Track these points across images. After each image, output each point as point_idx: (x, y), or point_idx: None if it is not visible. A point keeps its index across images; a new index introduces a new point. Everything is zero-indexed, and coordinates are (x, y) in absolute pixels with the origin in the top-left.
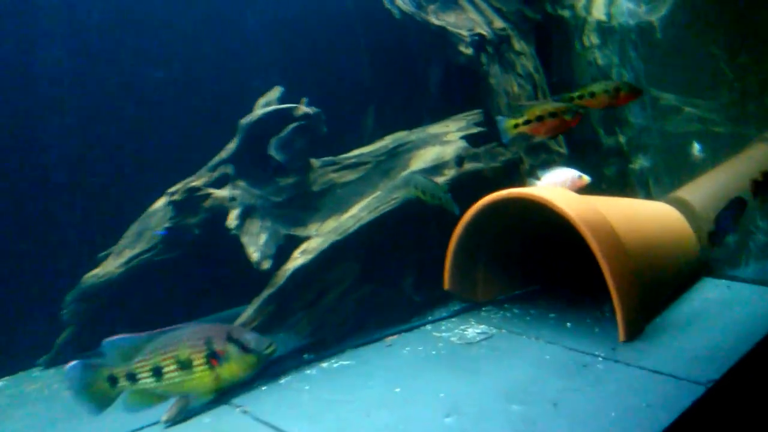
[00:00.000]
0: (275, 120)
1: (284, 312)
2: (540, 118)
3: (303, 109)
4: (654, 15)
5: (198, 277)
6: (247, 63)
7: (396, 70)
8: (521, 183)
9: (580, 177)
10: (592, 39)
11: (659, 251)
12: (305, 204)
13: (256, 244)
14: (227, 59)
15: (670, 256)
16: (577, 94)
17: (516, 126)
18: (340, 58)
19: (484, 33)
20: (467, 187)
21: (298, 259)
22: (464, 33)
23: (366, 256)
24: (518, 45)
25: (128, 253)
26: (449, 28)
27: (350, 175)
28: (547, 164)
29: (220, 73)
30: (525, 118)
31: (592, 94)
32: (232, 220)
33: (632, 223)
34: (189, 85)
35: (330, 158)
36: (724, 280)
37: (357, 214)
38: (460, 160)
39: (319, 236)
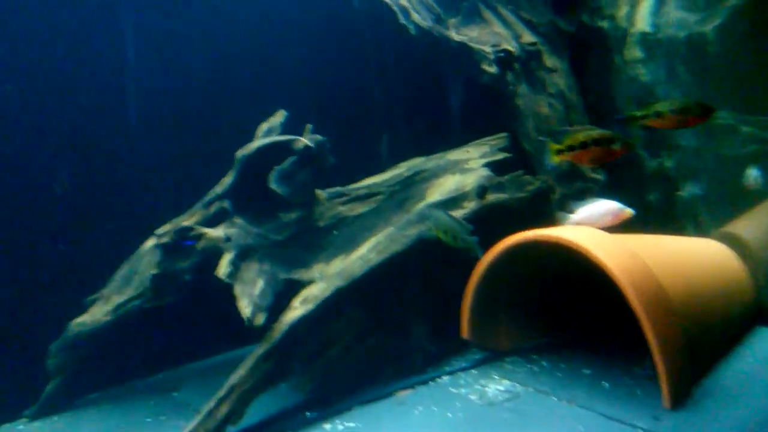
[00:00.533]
0: (273, 153)
1: (282, 370)
2: (584, 145)
3: (302, 141)
4: (708, 25)
5: (191, 324)
6: (253, 85)
7: (413, 91)
8: (551, 216)
9: (621, 210)
10: (635, 53)
11: (709, 301)
12: (310, 242)
13: (249, 295)
14: (233, 78)
15: (721, 306)
16: (640, 113)
17: (559, 152)
18: (351, 78)
19: (511, 49)
20: (490, 221)
21: (297, 309)
22: (488, 49)
23: (375, 302)
24: (549, 61)
25: (116, 300)
26: (471, 44)
27: (361, 208)
28: (582, 193)
29: (224, 93)
30: (567, 143)
31: (658, 114)
32: (223, 267)
33: (678, 269)
34: (185, 115)
35: (339, 189)
36: None
37: (365, 255)
38: (482, 190)
39: (322, 281)
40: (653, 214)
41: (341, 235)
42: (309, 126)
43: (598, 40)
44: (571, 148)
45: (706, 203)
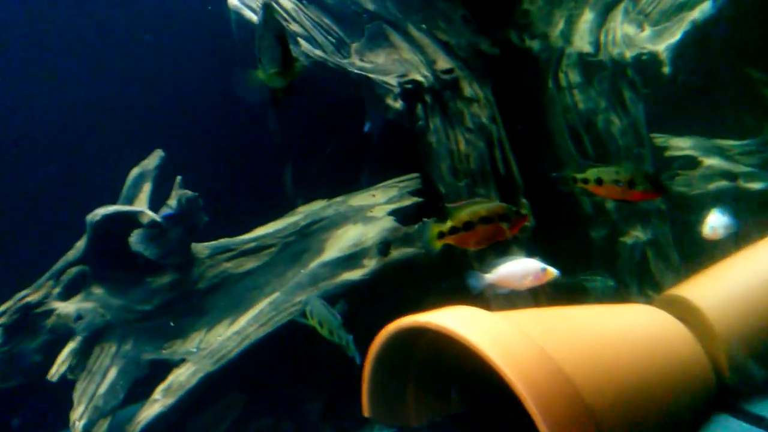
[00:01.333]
0: (121, 221)
1: None
2: (469, 225)
3: (148, 215)
4: (662, 43)
5: (45, 406)
6: (127, 120)
7: (318, 121)
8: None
9: (543, 271)
10: (572, 76)
11: (641, 392)
12: (187, 308)
13: (89, 397)
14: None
15: (660, 396)
16: (580, 176)
17: (441, 235)
18: (245, 110)
19: (420, 79)
20: (395, 281)
21: (155, 404)
22: (392, 81)
23: (258, 383)
24: (469, 89)
25: None
26: (372, 75)
27: (250, 263)
28: (505, 244)
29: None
30: (450, 224)
31: (600, 182)
32: (57, 365)
33: (594, 351)
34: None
35: (224, 242)
36: (746, 424)
37: (243, 329)
38: (384, 247)
39: (192, 363)
40: (590, 266)
41: (227, 295)
42: (178, 179)
43: (527, 63)
44: (454, 230)
45: (656, 253)
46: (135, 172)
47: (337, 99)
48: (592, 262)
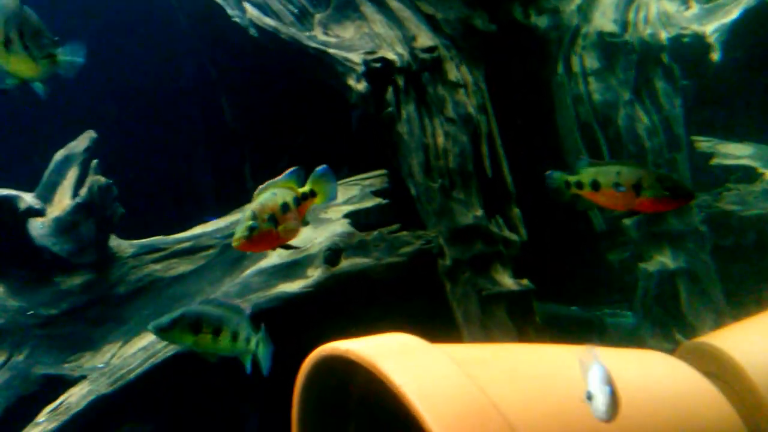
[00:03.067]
0: (5, 209)
1: None
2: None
3: (27, 201)
4: (711, 23)
5: None
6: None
7: (294, 107)
8: (440, 290)
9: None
10: (588, 61)
11: None
12: (103, 314)
13: None
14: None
15: None
16: (573, 179)
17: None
18: (188, 95)
19: (392, 57)
20: (344, 298)
21: (34, 429)
22: (356, 59)
23: (166, 409)
24: (455, 72)
25: None
26: (332, 51)
27: (182, 266)
28: (485, 261)
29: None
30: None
31: (596, 185)
32: None
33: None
34: None
35: (153, 241)
36: None
37: (151, 345)
38: (333, 254)
39: (87, 382)
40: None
41: (152, 303)
42: (95, 162)
43: (533, 44)
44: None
45: (690, 288)
46: (60, 155)
47: (309, 80)
48: (607, 292)
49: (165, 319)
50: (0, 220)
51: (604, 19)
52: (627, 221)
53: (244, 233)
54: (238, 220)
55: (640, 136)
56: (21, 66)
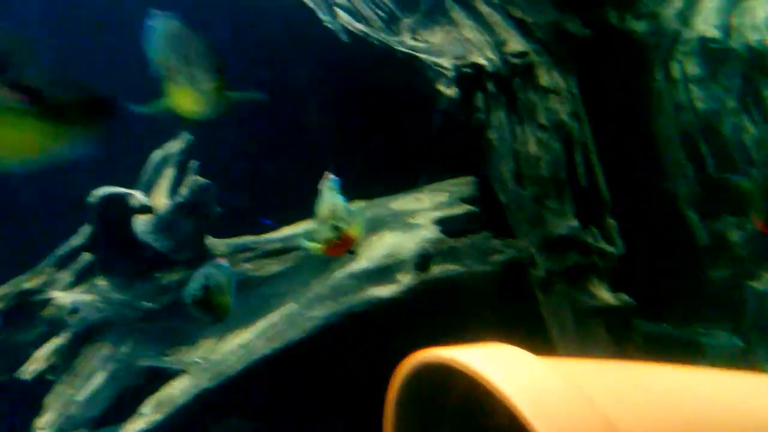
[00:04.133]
0: (117, 204)
1: None
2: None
3: (139, 199)
4: None
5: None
6: None
7: (364, 111)
8: (532, 301)
9: None
10: (689, 67)
11: None
12: None
13: (60, 407)
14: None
15: None
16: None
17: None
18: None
19: (482, 63)
20: (434, 304)
21: (138, 421)
22: (446, 64)
23: (262, 407)
24: (546, 77)
25: None
26: (422, 55)
27: (273, 266)
28: (581, 272)
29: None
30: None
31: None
32: (36, 359)
33: None
34: None
35: (245, 240)
36: None
37: (250, 341)
38: (423, 261)
39: (188, 376)
40: (706, 316)
41: (244, 301)
42: (194, 163)
43: (629, 49)
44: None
45: None
46: (157, 155)
47: (389, 83)
48: (709, 311)
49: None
50: (111, 216)
51: (705, 25)
52: (734, 236)
53: (330, 234)
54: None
55: (747, 146)
56: (187, 101)
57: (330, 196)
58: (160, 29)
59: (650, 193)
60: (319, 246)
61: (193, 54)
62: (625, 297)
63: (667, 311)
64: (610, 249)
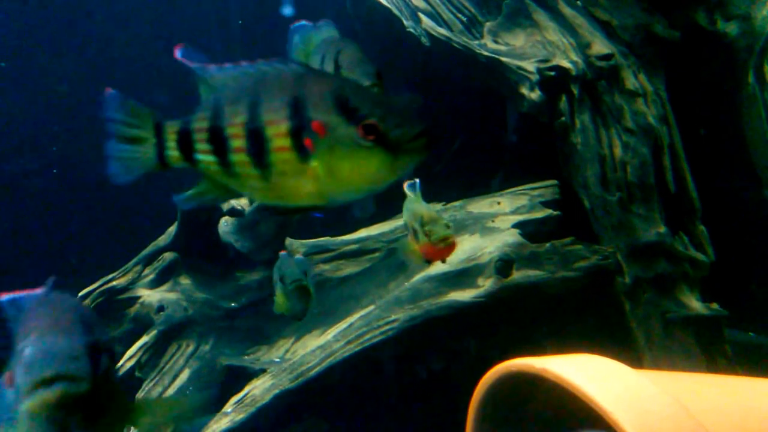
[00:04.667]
0: (206, 209)
1: None
2: None
3: (230, 201)
4: None
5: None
6: None
7: (453, 113)
8: (618, 309)
9: None
10: None
11: None
12: None
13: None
14: None
15: None
16: None
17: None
18: None
19: (567, 66)
20: (515, 310)
21: (222, 419)
22: (529, 67)
23: (341, 409)
24: (633, 80)
25: None
26: (504, 59)
27: (349, 268)
28: (670, 281)
29: None
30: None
31: None
32: (126, 358)
33: None
34: None
35: (322, 241)
36: None
37: (329, 343)
38: (504, 265)
39: (269, 376)
40: None
41: (321, 301)
42: None
43: (719, 52)
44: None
45: None
46: None
47: (467, 86)
48: None
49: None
50: (198, 217)
51: None
52: None
53: (448, 231)
54: (398, 226)
55: None
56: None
57: (419, 200)
58: (316, 36)
59: (742, 199)
60: (415, 247)
61: (354, 60)
62: (717, 306)
63: (757, 320)
64: (701, 257)
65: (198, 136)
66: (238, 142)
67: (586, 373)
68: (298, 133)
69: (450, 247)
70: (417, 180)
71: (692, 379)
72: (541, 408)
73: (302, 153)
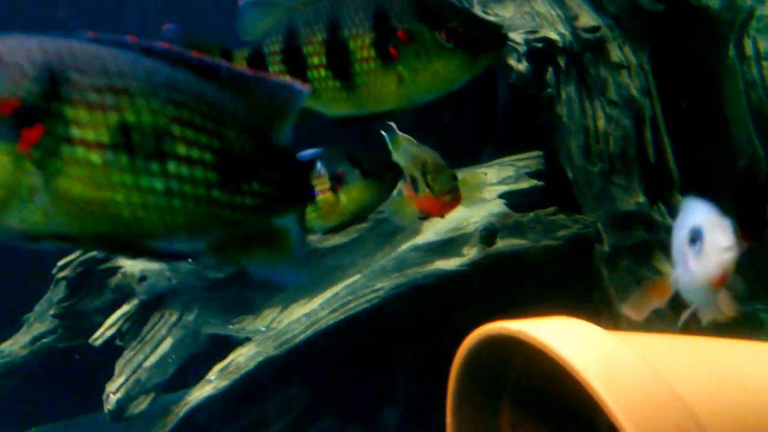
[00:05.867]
0: None
1: None
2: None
3: None
4: None
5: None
6: None
7: None
8: (596, 276)
9: None
10: (762, 44)
11: None
12: (262, 280)
13: (129, 372)
14: None
15: None
16: None
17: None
18: None
19: (554, 37)
20: (501, 278)
21: (205, 386)
22: (517, 38)
23: (325, 377)
24: (618, 53)
25: (35, 330)
26: None
27: (336, 238)
28: (647, 249)
29: None
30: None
31: None
32: (106, 326)
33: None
34: None
35: None
36: None
37: (315, 312)
38: (489, 234)
39: (254, 344)
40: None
41: (309, 272)
42: None
43: (702, 26)
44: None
45: None
46: None
47: None
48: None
49: None
50: None
51: None
52: None
53: (453, 183)
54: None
55: None
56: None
57: (420, 146)
58: None
59: (719, 170)
60: (412, 199)
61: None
62: None
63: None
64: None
65: (272, 59)
66: (317, 59)
67: (559, 334)
68: (382, 42)
69: (456, 200)
70: (393, 124)
71: (662, 339)
72: (521, 372)
73: (386, 61)
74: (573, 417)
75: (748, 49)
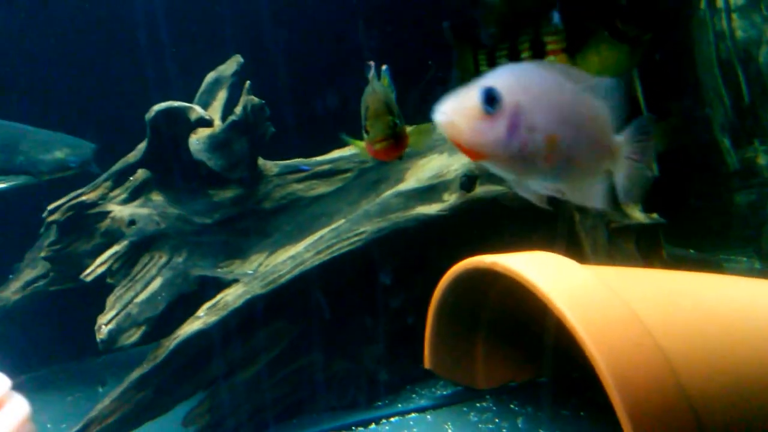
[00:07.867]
0: (175, 119)
1: (167, 398)
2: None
3: (197, 111)
4: None
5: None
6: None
7: (425, 42)
8: (568, 218)
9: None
10: None
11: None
12: (251, 227)
13: (120, 306)
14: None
15: None
16: None
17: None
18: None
19: None
20: (478, 222)
21: (196, 321)
22: None
23: (310, 314)
24: None
25: (27, 275)
26: None
27: (322, 187)
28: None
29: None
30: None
31: None
32: (96, 264)
33: (719, 345)
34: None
35: (296, 161)
36: None
37: (300, 253)
38: (468, 181)
39: (241, 284)
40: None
41: (294, 219)
42: (247, 84)
43: None
44: None
45: None
46: (210, 77)
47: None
48: (735, 234)
49: None
50: (168, 132)
51: None
52: (763, 159)
53: (387, 131)
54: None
55: None
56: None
57: (380, 88)
58: None
59: (689, 118)
60: (363, 144)
61: None
62: (656, 216)
63: (695, 238)
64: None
65: (499, 54)
66: (526, 54)
67: (529, 264)
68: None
69: (389, 150)
70: (385, 66)
71: (629, 271)
72: (495, 305)
73: (571, 53)
74: (541, 345)
75: (720, 2)
